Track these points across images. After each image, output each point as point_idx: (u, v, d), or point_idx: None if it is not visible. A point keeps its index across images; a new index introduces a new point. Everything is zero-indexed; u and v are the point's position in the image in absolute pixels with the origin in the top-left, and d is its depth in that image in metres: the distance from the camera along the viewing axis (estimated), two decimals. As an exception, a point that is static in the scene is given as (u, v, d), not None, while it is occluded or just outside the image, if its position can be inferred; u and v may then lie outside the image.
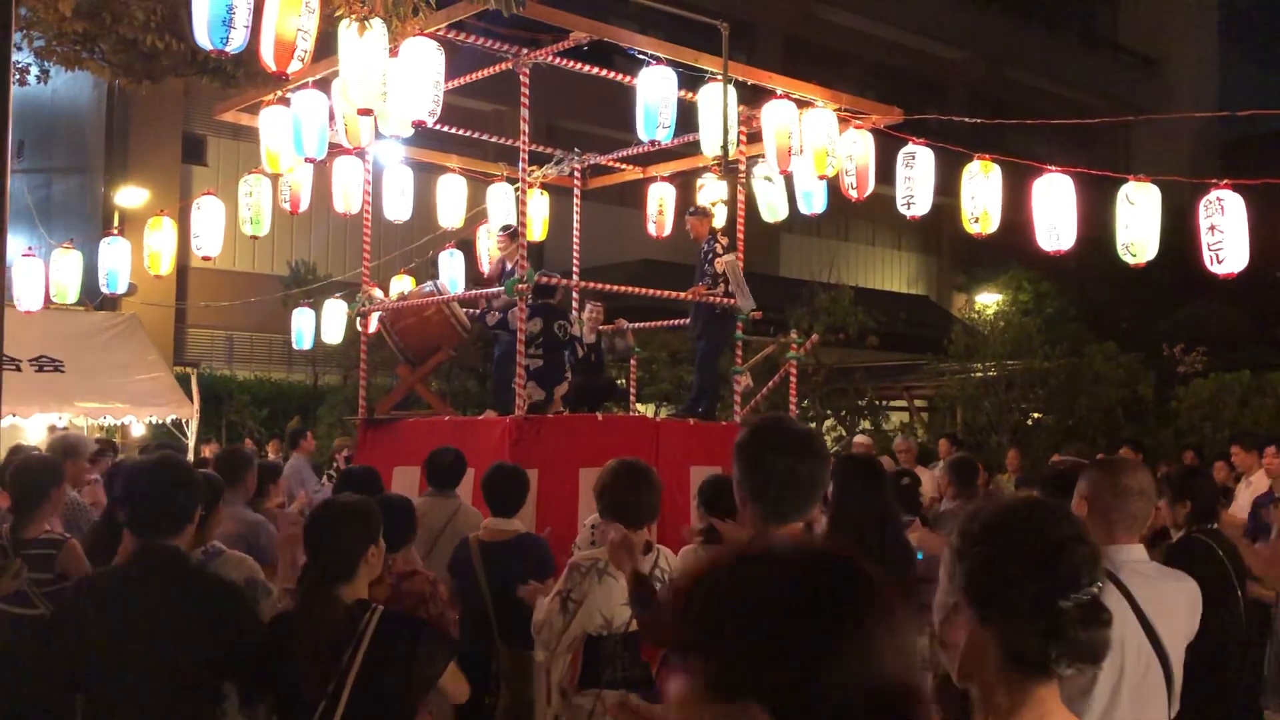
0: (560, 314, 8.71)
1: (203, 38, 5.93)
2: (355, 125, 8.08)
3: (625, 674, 3.99)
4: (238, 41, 5.96)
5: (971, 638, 1.64)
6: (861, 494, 4.17)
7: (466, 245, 11.83)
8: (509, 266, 9.04)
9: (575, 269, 10.59)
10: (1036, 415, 18.65)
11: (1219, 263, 7.59)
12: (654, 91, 8.03)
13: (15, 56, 8.35)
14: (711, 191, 10.37)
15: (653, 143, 8.32)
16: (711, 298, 9.21)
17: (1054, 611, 1.60)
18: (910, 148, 8.82)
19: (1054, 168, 8.10)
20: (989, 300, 22.68)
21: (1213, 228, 7.56)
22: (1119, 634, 3.00)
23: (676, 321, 10.72)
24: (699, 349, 9.83)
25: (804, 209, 9.72)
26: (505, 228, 9.59)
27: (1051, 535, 1.67)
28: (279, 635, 3.31)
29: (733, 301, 9.20)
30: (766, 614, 1.20)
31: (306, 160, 8.54)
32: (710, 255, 9.29)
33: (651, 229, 11.34)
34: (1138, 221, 7.85)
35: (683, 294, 9.42)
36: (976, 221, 8.51)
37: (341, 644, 3.17)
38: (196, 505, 3.54)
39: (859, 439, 12.62)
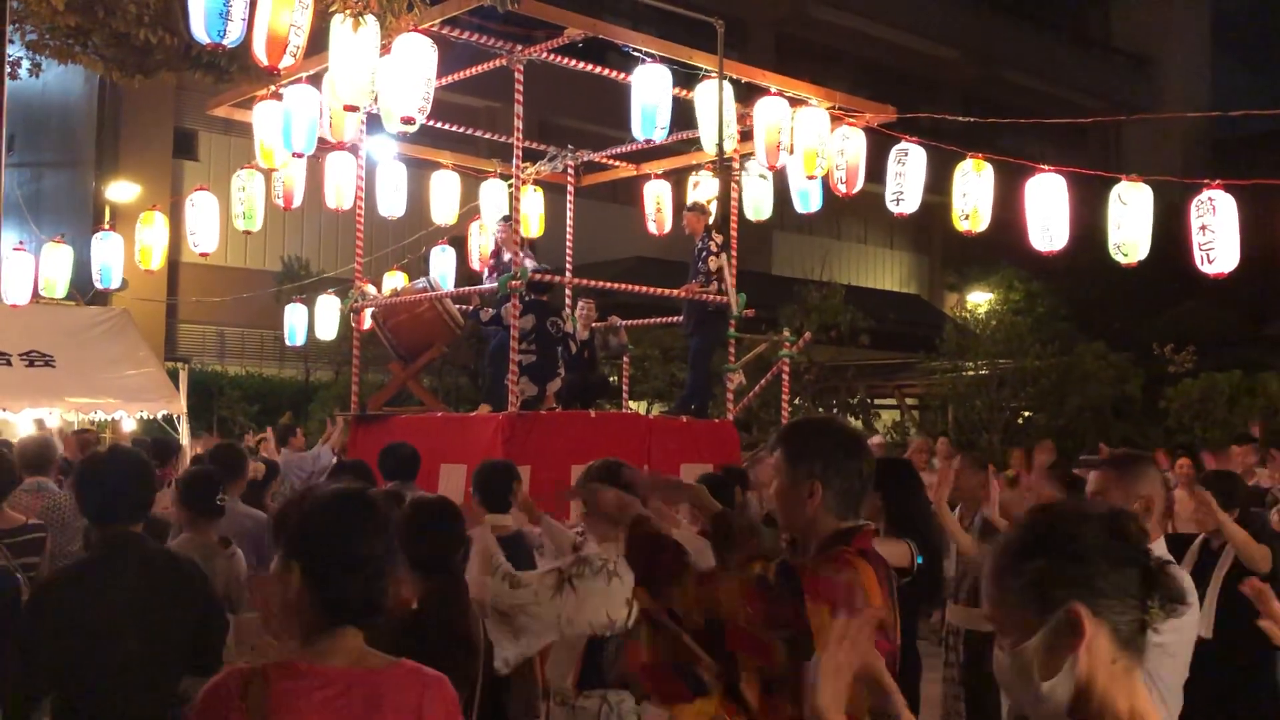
0: (553, 310, 8.72)
1: (199, 31, 5.91)
2: (339, 119, 8.09)
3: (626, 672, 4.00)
4: (234, 34, 5.94)
5: (1090, 645, 1.62)
6: (910, 495, 4.44)
7: (459, 242, 11.82)
8: (506, 257, 9.05)
9: (569, 265, 10.59)
10: (1027, 414, 18.70)
11: (1210, 263, 7.61)
12: (650, 91, 8.03)
13: (7, 50, 8.34)
14: (706, 189, 10.38)
15: (648, 141, 8.33)
16: (705, 295, 9.21)
17: (1145, 569, 1.66)
18: (903, 145, 8.83)
19: (1046, 167, 8.13)
20: (980, 299, 22.71)
21: (1204, 228, 7.58)
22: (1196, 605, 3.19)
23: (669, 319, 10.72)
24: (692, 346, 9.83)
25: (800, 208, 9.73)
26: (506, 218, 9.59)
27: (1106, 511, 1.73)
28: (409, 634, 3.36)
29: (726, 300, 9.21)
30: (306, 517, 2.23)
31: (295, 155, 8.53)
32: (704, 253, 9.30)
33: (652, 228, 11.33)
34: (1129, 221, 7.88)
35: (676, 291, 9.42)
36: (967, 219, 8.53)
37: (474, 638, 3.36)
38: (152, 493, 3.67)
39: (874, 440, 12.60)
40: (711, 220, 9.69)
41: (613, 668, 3.97)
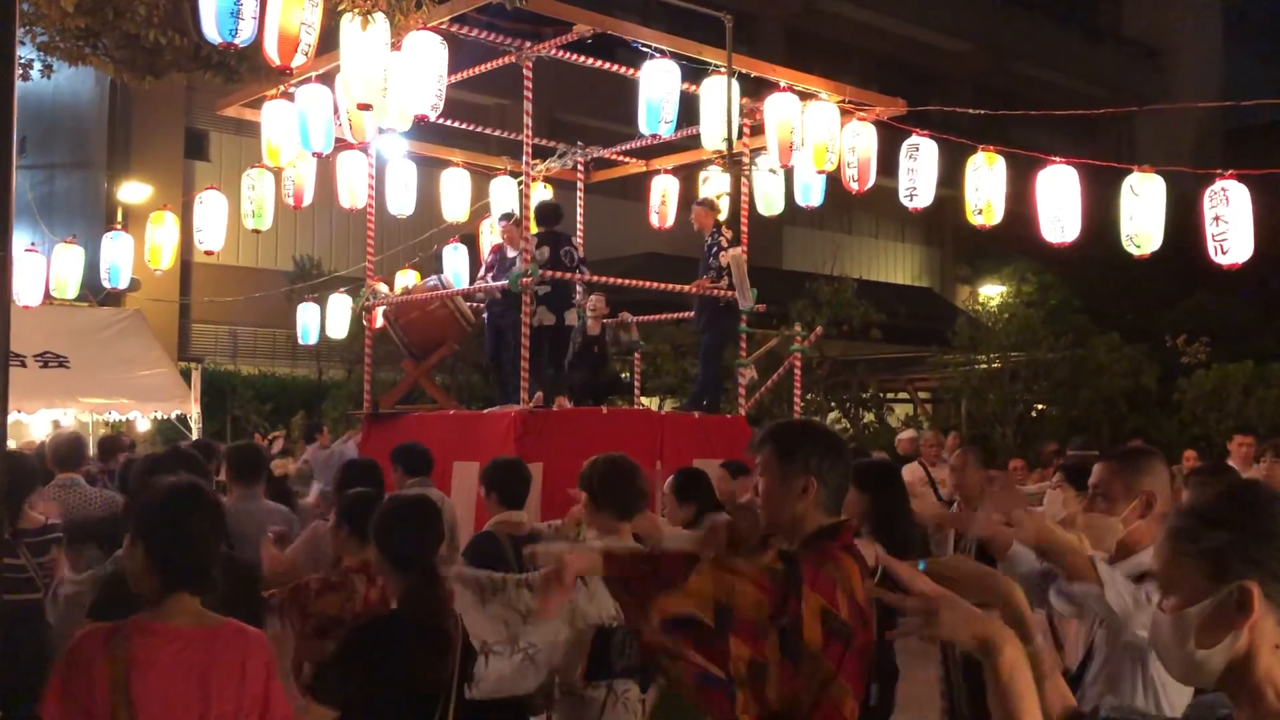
0: (565, 239, 8.89)
1: (211, 31, 5.92)
2: (359, 119, 8.08)
3: (630, 662, 4.01)
4: (246, 34, 5.94)
5: (1256, 625, 1.61)
6: (893, 498, 4.64)
7: (470, 239, 11.82)
8: (510, 254, 9.07)
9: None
10: (1040, 407, 18.65)
11: (1223, 253, 7.57)
12: (656, 86, 8.02)
13: (18, 51, 8.36)
14: (715, 185, 10.36)
15: (654, 136, 8.33)
16: (716, 291, 9.20)
17: None
18: (914, 139, 8.80)
19: (1058, 159, 8.10)
20: (993, 292, 22.66)
21: (1217, 218, 7.54)
22: None
23: (681, 315, 10.71)
24: (703, 342, 9.82)
25: (801, 201, 9.73)
26: (506, 215, 9.61)
27: None
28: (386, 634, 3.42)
29: (735, 294, 9.19)
30: (145, 504, 2.81)
31: (314, 155, 8.53)
32: (715, 249, 9.28)
33: (654, 220, 11.32)
34: (1142, 212, 7.85)
35: (687, 287, 9.41)
36: (980, 213, 8.50)
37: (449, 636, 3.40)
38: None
39: (907, 434, 12.55)
40: (724, 216, 9.68)
41: (620, 658, 4.00)
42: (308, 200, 10.26)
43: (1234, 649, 1.61)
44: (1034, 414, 18.57)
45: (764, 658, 2.45)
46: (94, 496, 5.85)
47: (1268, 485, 1.74)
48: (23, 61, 8.61)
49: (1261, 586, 1.61)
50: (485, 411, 8.61)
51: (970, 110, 10.11)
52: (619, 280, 9.54)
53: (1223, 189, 7.54)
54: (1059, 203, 8.02)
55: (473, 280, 10.08)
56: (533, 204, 8.88)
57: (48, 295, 12.01)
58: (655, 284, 9.49)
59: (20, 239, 14.72)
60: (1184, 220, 8.48)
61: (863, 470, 4.66)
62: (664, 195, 11.17)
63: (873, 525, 4.49)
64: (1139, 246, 7.90)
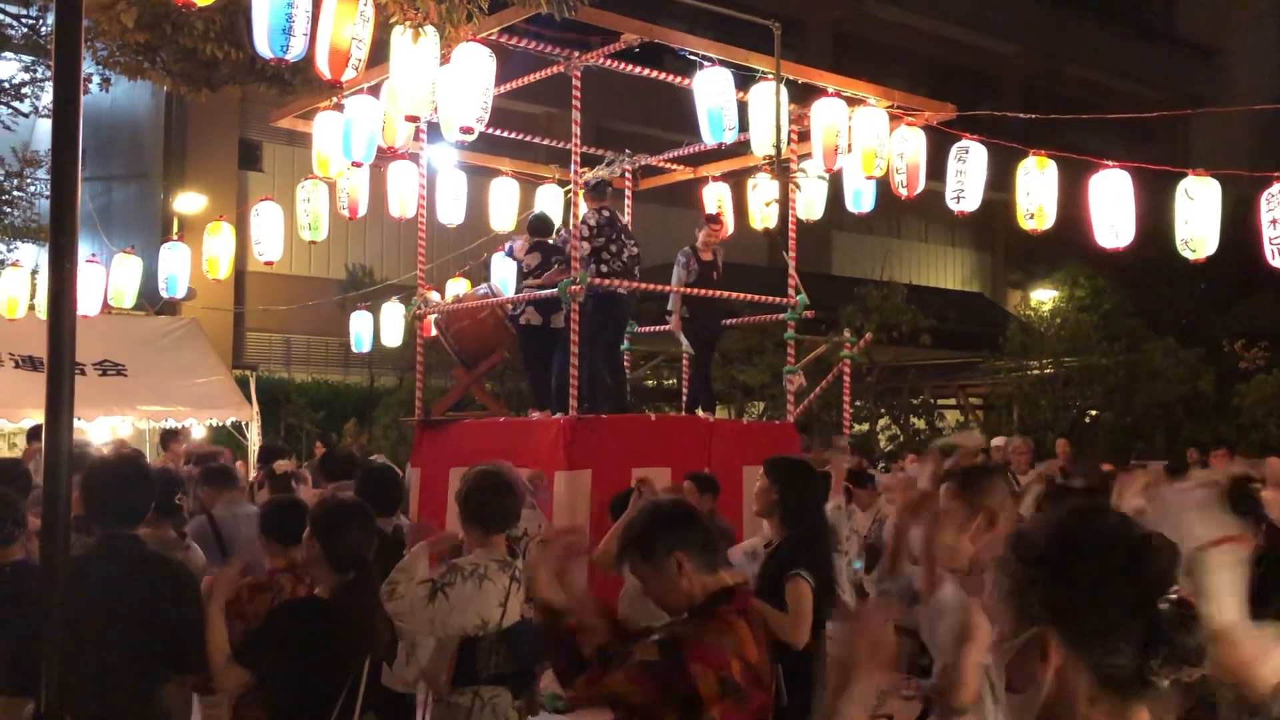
0: (557, 250, 9.02)
1: (263, 46, 6.02)
2: (391, 126, 8.22)
3: (500, 670, 4.10)
4: (297, 49, 6.04)
5: (1059, 673, 1.48)
6: (804, 493, 4.71)
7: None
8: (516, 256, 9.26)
9: (627, 270, 10.61)
10: (1094, 413, 18.44)
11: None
12: (714, 94, 8.02)
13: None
14: (764, 191, 10.35)
15: (718, 144, 8.32)
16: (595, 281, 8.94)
17: (1152, 615, 1.46)
18: (963, 143, 8.75)
19: (1111, 163, 8.02)
20: (1045, 297, 22.44)
21: (1274, 221, 7.45)
22: None
23: (728, 321, 10.68)
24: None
25: (852, 207, 9.69)
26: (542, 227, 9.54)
27: (1132, 535, 1.53)
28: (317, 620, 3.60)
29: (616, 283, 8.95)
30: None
31: (354, 165, 8.64)
32: (627, 244, 9.03)
33: (715, 231, 11.26)
34: (1197, 216, 7.75)
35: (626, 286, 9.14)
36: (1032, 218, 8.43)
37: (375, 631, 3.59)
38: (152, 499, 3.88)
39: (996, 441, 12.23)
40: (774, 224, 9.65)
41: (486, 665, 4.08)
42: (362, 211, 10.37)
43: (1045, 696, 1.47)
44: (1087, 420, 18.36)
45: None
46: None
47: (1112, 522, 1.53)
48: (83, 76, 8.81)
49: (1064, 636, 1.46)
50: (534, 419, 8.65)
51: (1021, 114, 10.03)
52: (667, 288, 9.54)
53: (1280, 192, 7.44)
54: (1112, 207, 7.94)
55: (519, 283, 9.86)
56: (580, 211, 8.92)
57: (106, 305, 12.23)
58: (704, 291, 9.47)
59: (81, 250, 14.96)
60: (1240, 223, 8.36)
61: (774, 464, 4.76)
62: (719, 204, 11.06)
63: (781, 517, 4.56)
64: (1194, 251, 7.81)
